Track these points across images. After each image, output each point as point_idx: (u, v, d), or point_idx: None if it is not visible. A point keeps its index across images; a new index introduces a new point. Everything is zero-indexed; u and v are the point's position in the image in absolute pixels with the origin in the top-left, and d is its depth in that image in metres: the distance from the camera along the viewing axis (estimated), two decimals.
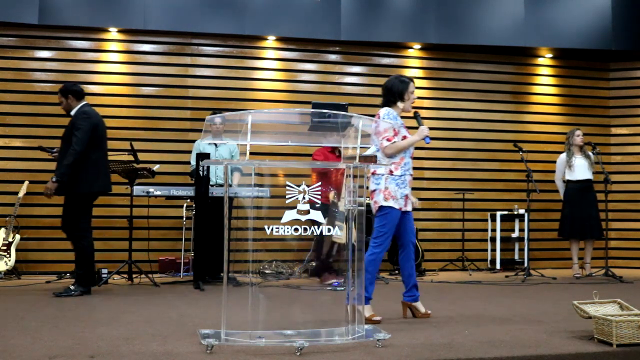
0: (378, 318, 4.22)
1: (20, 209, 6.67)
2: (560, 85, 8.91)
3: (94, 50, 7.65)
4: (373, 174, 4.34)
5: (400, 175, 4.30)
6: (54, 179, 5.34)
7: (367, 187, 4.33)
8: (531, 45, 8.35)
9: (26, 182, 6.83)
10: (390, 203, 4.27)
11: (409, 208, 4.38)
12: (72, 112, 5.56)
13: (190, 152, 7.03)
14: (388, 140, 4.27)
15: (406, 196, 4.34)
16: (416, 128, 4.38)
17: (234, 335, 3.27)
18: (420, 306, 4.47)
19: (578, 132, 7.50)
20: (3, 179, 7.23)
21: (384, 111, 4.39)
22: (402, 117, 4.46)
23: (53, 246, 6.72)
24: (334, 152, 6.61)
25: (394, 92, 4.42)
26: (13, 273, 6.57)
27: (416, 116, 4.51)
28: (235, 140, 3.54)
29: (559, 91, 8.90)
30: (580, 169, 7.44)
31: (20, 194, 6.70)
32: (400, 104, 4.42)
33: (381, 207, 4.29)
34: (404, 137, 4.33)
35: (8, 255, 6.54)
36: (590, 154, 7.47)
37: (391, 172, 4.29)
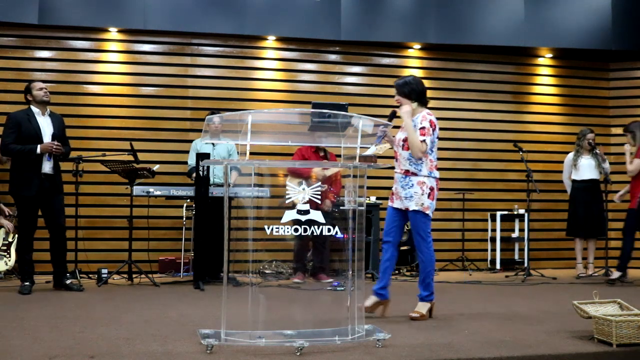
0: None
1: None
2: (560, 85, 8.90)
3: (94, 50, 7.65)
4: None
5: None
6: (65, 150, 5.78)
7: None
8: (531, 45, 8.35)
9: None
10: None
11: (396, 205, 4.46)
12: (49, 111, 5.86)
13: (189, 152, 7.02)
14: None
15: (392, 192, 4.53)
16: None
17: (234, 335, 3.28)
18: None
19: (589, 135, 7.49)
20: (3, 179, 7.23)
21: None
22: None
23: None
24: (318, 153, 6.53)
25: None
26: (13, 273, 6.56)
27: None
28: (235, 140, 3.54)
29: (559, 91, 8.89)
30: (586, 169, 7.44)
31: None
32: None
33: None
34: None
35: (8, 255, 6.53)
36: (606, 158, 7.46)
37: None
